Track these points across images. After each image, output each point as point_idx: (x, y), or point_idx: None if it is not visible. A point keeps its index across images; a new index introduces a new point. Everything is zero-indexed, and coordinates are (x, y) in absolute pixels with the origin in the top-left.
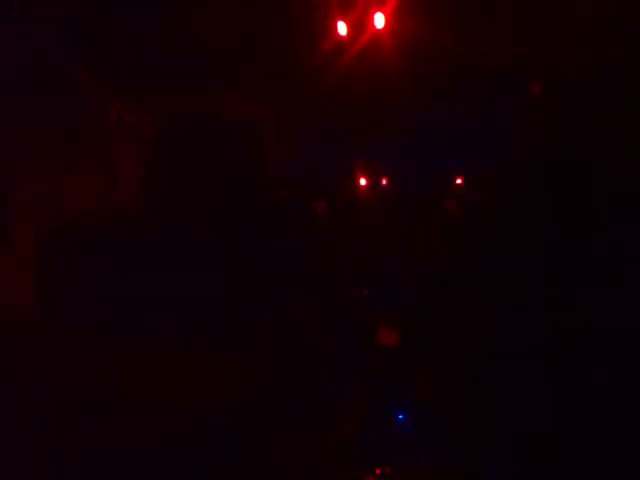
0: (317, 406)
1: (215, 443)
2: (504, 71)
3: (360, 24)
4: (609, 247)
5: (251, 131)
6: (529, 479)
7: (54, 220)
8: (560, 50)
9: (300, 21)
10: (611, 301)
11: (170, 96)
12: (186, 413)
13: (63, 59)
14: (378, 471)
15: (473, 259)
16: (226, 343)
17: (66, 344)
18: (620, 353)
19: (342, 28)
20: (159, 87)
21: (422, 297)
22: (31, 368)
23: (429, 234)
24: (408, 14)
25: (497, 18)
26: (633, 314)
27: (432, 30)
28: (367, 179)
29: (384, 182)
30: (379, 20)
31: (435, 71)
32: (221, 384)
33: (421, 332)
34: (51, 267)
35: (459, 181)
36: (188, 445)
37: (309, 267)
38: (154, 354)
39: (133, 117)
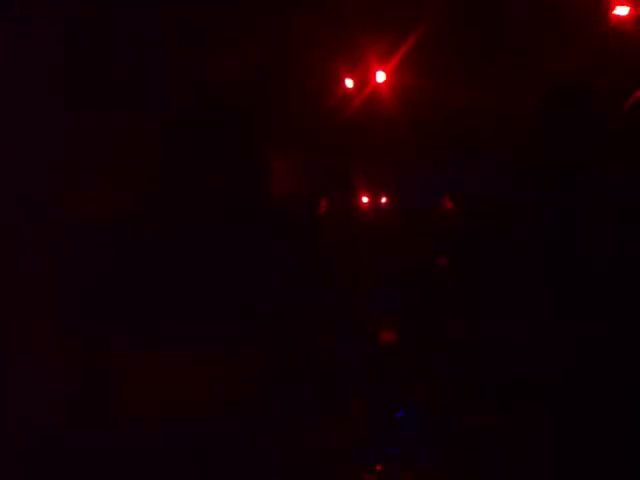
0: (317, 405)
1: (215, 443)
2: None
3: (364, 79)
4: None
5: (251, 134)
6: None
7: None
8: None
9: (316, 76)
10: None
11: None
12: (185, 414)
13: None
14: (379, 468)
15: (472, 261)
16: (225, 345)
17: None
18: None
19: (349, 82)
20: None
21: (420, 297)
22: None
23: (428, 238)
24: (404, 72)
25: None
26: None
27: (423, 83)
28: (368, 197)
29: (383, 200)
30: (380, 76)
31: (427, 115)
32: (220, 385)
33: (420, 331)
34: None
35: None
36: (188, 445)
37: (309, 268)
38: (155, 354)
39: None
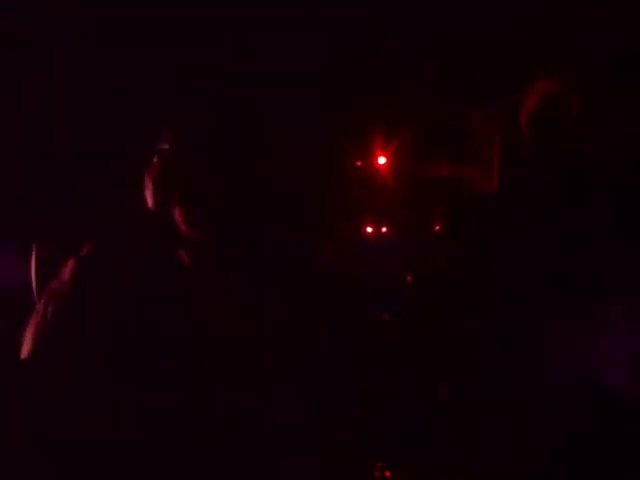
0: (317, 404)
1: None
2: None
3: (368, 161)
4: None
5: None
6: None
7: None
8: None
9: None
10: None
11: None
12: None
13: None
14: (379, 465)
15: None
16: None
17: None
18: None
19: (357, 163)
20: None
21: (421, 295)
22: None
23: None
24: (400, 156)
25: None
26: None
27: (415, 165)
28: (372, 227)
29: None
30: (381, 159)
31: (419, 187)
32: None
33: (422, 329)
34: None
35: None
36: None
37: (311, 268)
38: None
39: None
